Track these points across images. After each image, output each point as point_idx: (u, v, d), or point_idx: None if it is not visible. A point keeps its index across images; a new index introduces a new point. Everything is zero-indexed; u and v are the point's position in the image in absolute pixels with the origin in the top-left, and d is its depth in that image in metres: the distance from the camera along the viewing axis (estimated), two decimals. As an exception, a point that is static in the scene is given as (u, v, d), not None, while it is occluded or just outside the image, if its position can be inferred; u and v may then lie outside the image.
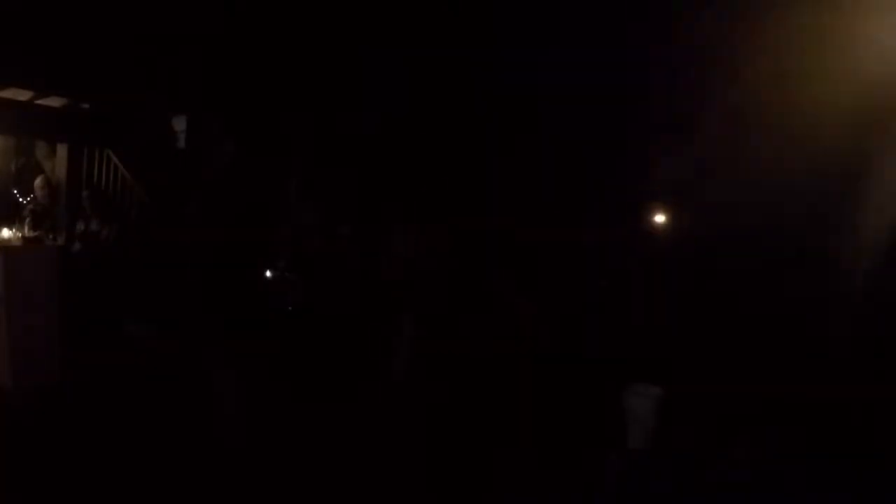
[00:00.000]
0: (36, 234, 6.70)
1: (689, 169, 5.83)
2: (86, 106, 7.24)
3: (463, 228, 7.37)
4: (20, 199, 7.29)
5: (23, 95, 6.68)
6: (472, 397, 5.31)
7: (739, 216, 5.22)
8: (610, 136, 6.73)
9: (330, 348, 6.35)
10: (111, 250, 6.94)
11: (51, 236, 6.88)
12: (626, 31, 6.13)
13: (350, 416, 4.92)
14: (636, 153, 6.53)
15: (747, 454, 3.95)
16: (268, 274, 7.75)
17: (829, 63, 4.48)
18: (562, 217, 6.97)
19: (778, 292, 4.90)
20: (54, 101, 7.03)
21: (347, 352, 6.27)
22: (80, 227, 6.95)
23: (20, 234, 6.18)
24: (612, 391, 4.43)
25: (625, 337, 5.77)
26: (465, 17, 7.45)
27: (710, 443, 4.21)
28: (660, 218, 6.01)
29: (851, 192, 4.66)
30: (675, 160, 5.87)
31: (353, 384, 5.62)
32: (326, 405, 5.13)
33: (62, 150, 7.36)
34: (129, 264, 6.91)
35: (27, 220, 6.75)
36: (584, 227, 6.80)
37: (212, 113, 8.17)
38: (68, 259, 6.70)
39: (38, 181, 7.25)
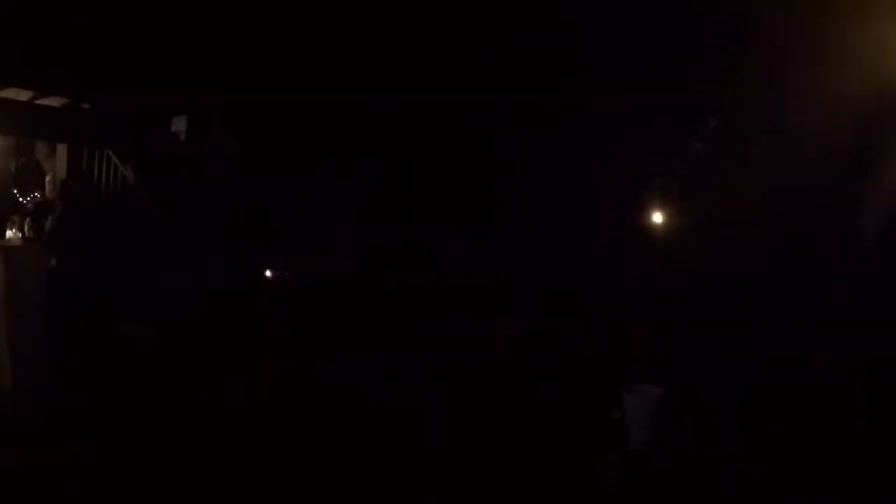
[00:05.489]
0: (36, 230, 6.70)
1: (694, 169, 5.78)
2: (86, 106, 7.24)
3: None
4: (20, 199, 7.29)
5: (23, 95, 6.69)
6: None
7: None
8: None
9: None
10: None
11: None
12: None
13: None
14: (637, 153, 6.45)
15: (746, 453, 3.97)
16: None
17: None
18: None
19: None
20: (54, 101, 7.03)
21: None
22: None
23: (20, 235, 6.18)
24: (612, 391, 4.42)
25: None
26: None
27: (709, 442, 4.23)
28: (660, 217, 5.95)
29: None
30: (677, 160, 5.82)
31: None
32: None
33: (62, 150, 7.37)
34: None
35: (28, 220, 6.76)
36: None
37: (212, 113, 8.15)
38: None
39: (48, 178, 7.28)
